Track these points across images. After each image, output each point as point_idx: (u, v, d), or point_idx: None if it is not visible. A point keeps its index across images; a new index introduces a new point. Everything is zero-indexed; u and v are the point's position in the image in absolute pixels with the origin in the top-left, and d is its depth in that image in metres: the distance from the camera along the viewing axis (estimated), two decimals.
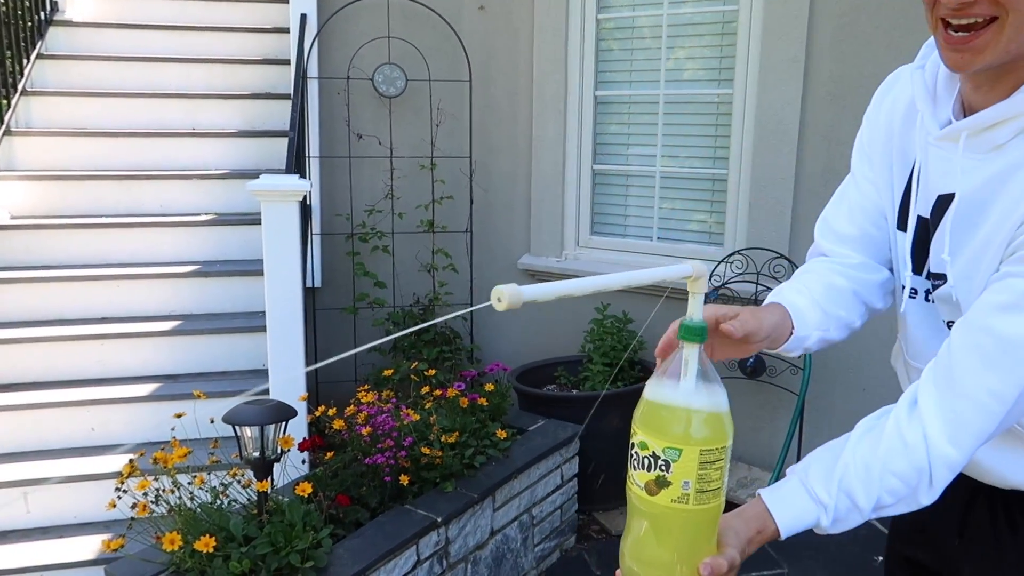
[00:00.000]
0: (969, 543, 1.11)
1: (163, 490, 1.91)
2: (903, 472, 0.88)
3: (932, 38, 0.92)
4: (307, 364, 2.95)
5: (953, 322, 0.95)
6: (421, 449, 2.27)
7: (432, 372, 2.78)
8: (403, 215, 3.71)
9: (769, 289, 3.06)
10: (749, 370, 3.11)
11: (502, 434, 2.48)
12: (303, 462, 2.63)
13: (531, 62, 3.55)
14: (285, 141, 3.83)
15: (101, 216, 3.61)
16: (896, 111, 1.08)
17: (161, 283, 3.42)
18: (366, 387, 2.60)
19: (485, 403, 2.58)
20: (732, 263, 3.15)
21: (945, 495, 0.99)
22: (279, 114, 4.10)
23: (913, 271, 1.03)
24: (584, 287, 0.78)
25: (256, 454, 1.95)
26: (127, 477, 1.89)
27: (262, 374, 3.20)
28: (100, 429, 3.03)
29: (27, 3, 4.04)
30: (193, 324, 3.32)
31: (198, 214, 3.71)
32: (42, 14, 4.24)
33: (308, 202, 3.52)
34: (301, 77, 3.43)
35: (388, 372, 2.76)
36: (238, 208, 3.76)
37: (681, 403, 0.82)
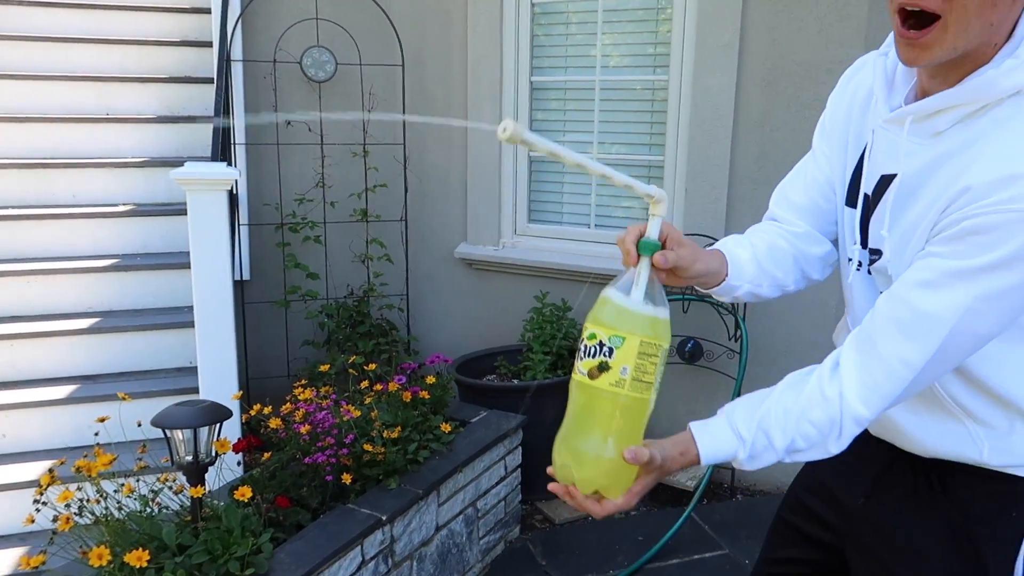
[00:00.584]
0: (876, 505, 1.18)
1: (87, 500, 1.78)
2: (818, 421, 0.98)
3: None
4: (238, 361, 2.83)
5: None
6: (363, 446, 2.20)
7: (373, 366, 2.70)
8: (335, 204, 3.59)
9: None
10: (688, 355, 3.14)
11: (446, 427, 2.43)
12: (238, 464, 2.52)
13: (465, 47, 3.48)
14: (207, 127, 3.67)
15: (8, 207, 3.38)
16: (857, 95, 1.13)
17: (77, 278, 3.22)
18: (303, 383, 2.51)
19: (427, 396, 2.51)
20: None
21: (861, 457, 1.17)
22: (200, 99, 3.91)
23: (860, 244, 1.10)
24: (570, 156, 0.96)
25: (189, 458, 1.84)
26: (47, 487, 1.76)
27: (190, 372, 3.05)
28: (13, 435, 2.84)
29: None
30: (113, 321, 3.14)
31: (116, 204, 3.51)
32: None
33: (235, 191, 3.37)
34: (225, 60, 3.27)
35: (325, 367, 2.67)
36: (159, 198, 3.57)
37: (630, 302, 0.98)
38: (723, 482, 3.23)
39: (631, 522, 2.96)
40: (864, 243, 1.10)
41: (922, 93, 1.00)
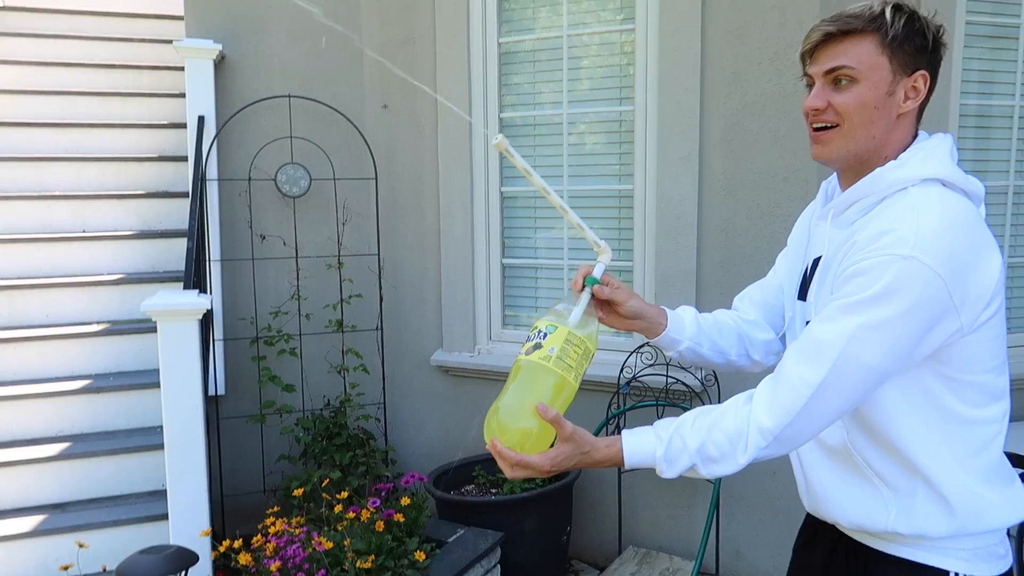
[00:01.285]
0: None
1: None
2: (727, 430, 1.17)
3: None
4: (213, 479, 2.78)
5: None
6: None
7: (345, 494, 2.66)
8: (310, 316, 3.61)
9: (679, 381, 3.12)
10: None
11: (420, 556, 2.39)
12: None
13: (436, 159, 3.58)
14: (183, 241, 3.71)
15: None
16: (806, 217, 1.45)
17: (47, 402, 3.19)
18: (276, 509, 2.47)
19: (401, 519, 2.48)
20: (642, 354, 3.20)
21: (813, 548, 1.40)
22: (177, 213, 3.97)
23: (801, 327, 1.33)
24: (538, 181, 1.32)
25: None
26: None
27: (162, 496, 2.99)
28: None
29: None
30: (84, 445, 3.10)
31: (89, 323, 3.51)
32: None
33: (210, 308, 3.39)
34: (200, 180, 3.34)
35: (298, 491, 2.63)
36: (134, 315, 3.58)
37: (571, 311, 1.28)
38: None
39: None
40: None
41: None
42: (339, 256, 3.61)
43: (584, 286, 1.33)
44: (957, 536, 1.19)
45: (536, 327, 1.26)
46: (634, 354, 3.20)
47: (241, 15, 3.71)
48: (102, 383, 3.29)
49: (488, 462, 3.33)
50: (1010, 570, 1.25)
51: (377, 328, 3.66)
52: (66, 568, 1.96)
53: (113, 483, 3.06)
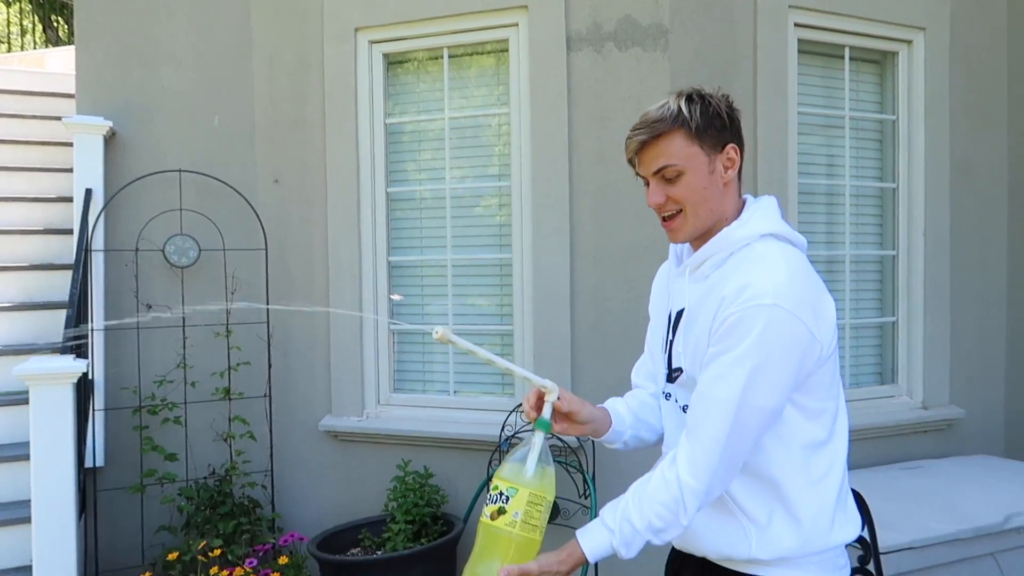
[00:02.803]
0: None
1: None
2: (665, 501, 1.31)
3: None
4: (86, 559, 2.73)
5: (687, 406, 1.41)
6: None
7: (218, 552, 2.67)
8: (196, 384, 3.62)
9: (556, 437, 3.29)
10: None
11: None
12: None
13: (325, 231, 3.72)
14: (66, 313, 3.69)
15: None
16: (661, 278, 1.65)
17: None
18: (147, 575, 2.46)
19: None
20: (521, 412, 3.36)
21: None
22: (61, 285, 3.95)
23: (665, 380, 1.53)
24: (483, 353, 1.42)
25: None
26: None
27: (29, 571, 2.90)
28: None
29: None
30: None
31: None
32: None
33: (91, 377, 3.37)
34: (84, 250, 3.37)
35: (173, 555, 2.62)
36: (10, 387, 3.50)
37: (525, 464, 1.34)
38: None
39: None
40: (669, 379, 1.50)
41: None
42: (227, 324, 3.67)
43: (535, 430, 1.40)
44: (809, 554, 1.39)
45: (497, 487, 1.34)
46: (514, 412, 3.36)
47: (134, 95, 3.83)
48: None
49: (375, 524, 3.37)
50: None
51: (265, 395, 3.70)
52: None
53: None
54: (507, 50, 3.51)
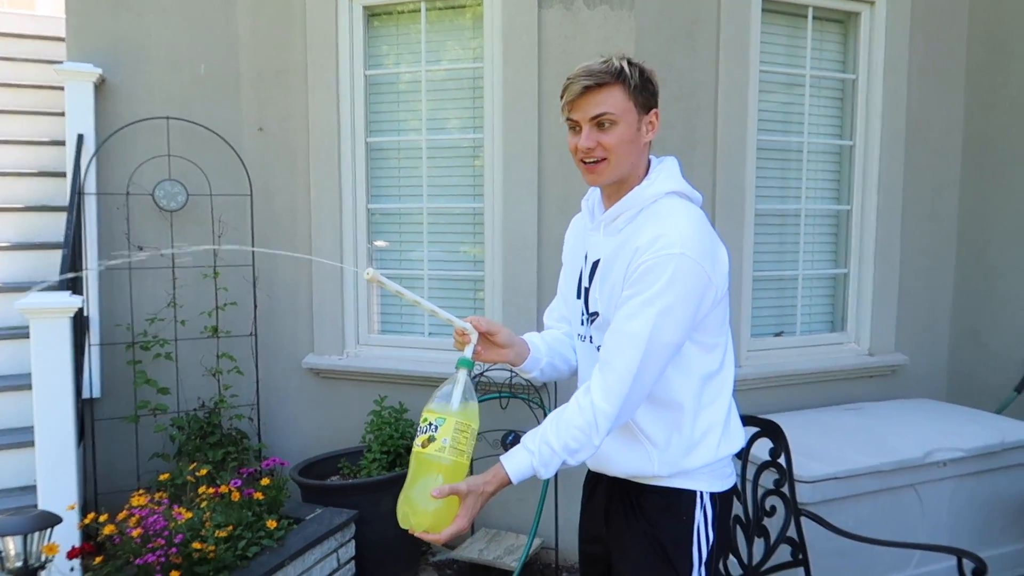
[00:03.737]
0: (611, 529, 1.73)
1: None
2: (580, 424, 1.48)
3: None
4: (88, 478, 2.98)
5: (601, 346, 1.57)
6: (193, 545, 2.43)
7: (204, 472, 2.92)
8: (185, 322, 3.84)
9: (519, 377, 3.53)
10: (508, 445, 3.52)
11: (272, 524, 2.68)
12: (71, 570, 2.66)
13: (308, 178, 3.90)
14: (60, 253, 3.88)
15: None
16: (576, 228, 1.83)
17: None
18: (140, 491, 2.71)
19: (261, 497, 2.77)
20: None
21: (595, 497, 1.78)
22: (55, 226, 4.12)
23: (580, 323, 1.71)
24: (409, 295, 1.57)
25: (19, 563, 2.03)
26: None
27: (33, 490, 3.16)
28: None
29: None
30: None
31: None
32: None
33: (85, 314, 3.58)
34: (77, 193, 3.55)
35: (164, 476, 2.88)
36: (10, 322, 3.72)
37: (451, 397, 1.47)
38: (550, 563, 3.57)
39: None
40: (587, 320, 1.66)
41: (607, 208, 1.66)
42: (215, 267, 3.87)
43: (458, 368, 1.52)
44: (702, 466, 1.63)
45: (426, 419, 1.46)
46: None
47: (122, 41, 3.95)
48: None
49: (353, 455, 3.64)
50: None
51: (251, 334, 3.92)
52: None
53: None
54: (481, 4, 3.64)
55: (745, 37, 3.54)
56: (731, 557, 2.22)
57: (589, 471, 1.83)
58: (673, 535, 1.63)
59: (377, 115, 3.93)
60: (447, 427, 1.43)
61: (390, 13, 3.89)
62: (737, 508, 2.27)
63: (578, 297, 1.70)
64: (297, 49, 3.87)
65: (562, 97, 1.58)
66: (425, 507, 1.42)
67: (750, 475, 2.39)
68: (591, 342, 1.67)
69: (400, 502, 1.46)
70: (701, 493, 1.64)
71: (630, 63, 1.57)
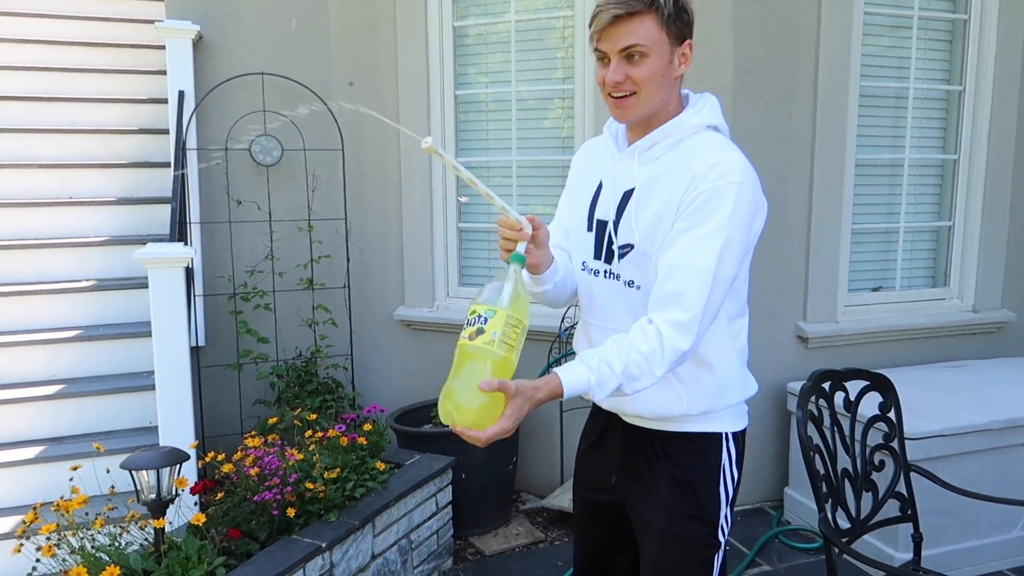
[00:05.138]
0: (630, 475, 1.66)
1: (64, 535, 2.08)
2: (645, 352, 1.39)
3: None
4: (195, 422, 3.13)
5: (633, 281, 1.52)
6: (306, 484, 2.53)
7: (314, 416, 3.03)
8: (283, 274, 3.96)
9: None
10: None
11: (381, 466, 2.77)
12: (195, 504, 2.82)
13: (398, 132, 3.93)
14: (163, 207, 4.04)
15: None
16: (591, 153, 1.70)
17: (40, 349, 3.52)
18: (253, 433, 2.84)
19: (364, 442, 2.86)
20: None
21: (606, 444, 1.70)
22: (157, 181, 4.29)
23: (595, 258, 1.59)
24: (465, 173, 1.47)
25: (152, 496, 2.16)
26: (30, 523, 2.06)
27: (149, 431, 3.35)
28: None
29: None
30: (77, 387, 3.43)
31: (78, 280, 3.83)
32: None
33: (191, 266, 3.72)
34: (181, 149, 3.66)
35: (272, 420, 3.00)
36: (118, 274, 3.90)
37: (501, 291, 1.38)
38: None
39: (550, 551, 3.30)
40: (598, 256, 1.58)
41: (631, 142, 1.57)
42: (309, 220, 3.96)
43: (511, 263, 1.46)
44: (727, 407, 1.60)
45: (475, 311, 1.36)
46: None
47: None
48: (92, 333, 3.62)
49: None
50: (747, 426, 1.69)
51: (344, 286, 4.02)
52: (75, 468, 2.31)
53: (104, 420, 3.40)
54: None
55: None
56: (839, 510, 2.20)
57: (593, 416, 1.77)
58: (703, 476, 1.59)
59: (465, 67, 3.92)
60: (497, 320, 1.34)
61: None
62: (845, 461, 2.24)
63: (588, 229, 1.61)
64: (385, 1, 3.88)
65: (590, 26, 1.47)
66: (469, 403, 1.32)
67: (859, 430, 2.35)
68: (616, 279, 1.56)
69: (442, 397, 1.37)
70: (726, 434, 1.61)
71: None
